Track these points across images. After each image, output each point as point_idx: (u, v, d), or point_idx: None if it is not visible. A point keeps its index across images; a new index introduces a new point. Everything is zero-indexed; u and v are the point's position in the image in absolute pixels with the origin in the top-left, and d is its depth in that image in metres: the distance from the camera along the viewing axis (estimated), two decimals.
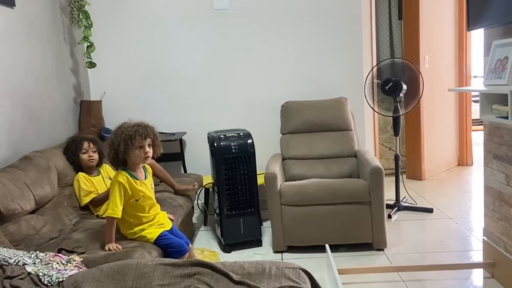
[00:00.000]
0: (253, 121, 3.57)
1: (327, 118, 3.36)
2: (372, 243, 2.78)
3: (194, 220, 3.54)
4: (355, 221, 2.74)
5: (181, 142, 3.63)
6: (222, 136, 2.96)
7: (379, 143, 4.47)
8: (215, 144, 2.91)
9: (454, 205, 3.60)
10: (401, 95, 3.40)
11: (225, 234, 2.94)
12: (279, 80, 3.64)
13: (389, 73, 3.45)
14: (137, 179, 2.20)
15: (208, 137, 3.08)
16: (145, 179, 2.26)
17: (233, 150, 2.90)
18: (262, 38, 3.61)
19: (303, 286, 1.45)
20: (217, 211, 3.04)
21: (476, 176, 4.46)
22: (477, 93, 2.63)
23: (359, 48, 3.59)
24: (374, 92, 3.47)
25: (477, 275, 2.38)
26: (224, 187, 2.90)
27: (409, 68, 3.41)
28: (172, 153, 3.59)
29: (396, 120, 3.50)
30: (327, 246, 2.53)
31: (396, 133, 3.55)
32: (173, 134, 3.54)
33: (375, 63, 3.82)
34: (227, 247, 2.93)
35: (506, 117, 1.84)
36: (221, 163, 2.89)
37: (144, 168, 2.30)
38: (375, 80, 3.47)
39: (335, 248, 2.72)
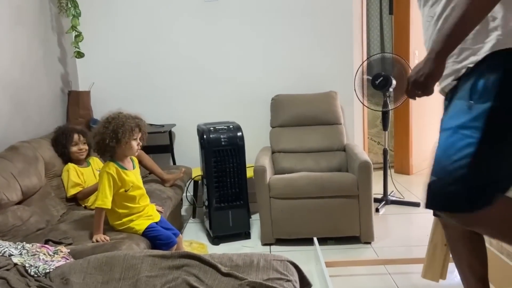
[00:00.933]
0: (243, 114, 3.56)
1: (317, 112, 3.37)
2: (359, 236, 2.81)
3: (183, 212, 3.54)
4: (343, 215, 2.77)
5: (170, 134, 3.61)
6: (211, 128, 2.95)
7: (368, 138, 4.50)
8: (205, 136, 2.90)
9: None
10: (391, 90, 3.42)
11: (213, 227, 2.94)
12: (270, 73, 3.63)
13: (379, 67, 3.46)
14: (126, 169, 2.19)
15: (198, 129, 3.07)
16: (133, 169, 2.25)
17: (223, 143, 2.89)
18: (253, 31, 3.59)
19: (290, 278, 1.46)
20: (206, 203, 3.04)
21: None
22: None
23: (349, 42, 3.60)
24: (364, 86, 3.49)
25: None
26: (213, 179, 2.90)
27: (399, 63, 3.43)
28: (161, 145, 3.58)
29: (385, 115, 3.53)
30: (315, 239, 2.54)
31: (385, 127, 3.58)
32: (162, 126, 3.52)
33: (365, 57, 3.83)
34: (215, 240, 2.94)
35: None
36: (210, 155, 2.88)
37: (131, 158, 2.29)
38: (365, 76, 3.48)
39: (323, 241, 2.74)
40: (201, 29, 3.59)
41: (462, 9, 1.27)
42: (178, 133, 3.69)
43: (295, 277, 1.50)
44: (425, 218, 3.23)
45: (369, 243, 2.80)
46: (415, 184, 4.12)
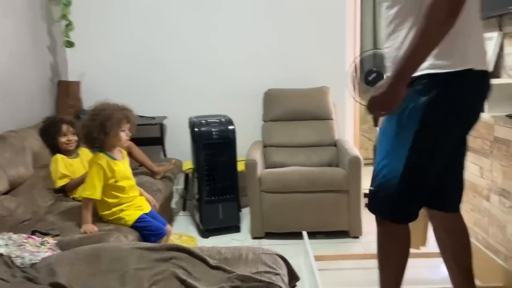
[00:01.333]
0: (235, 107, 3.54)
1: (309, 107, 3.36)
2: (348, 231, 2.82)
3: (173, 205, 3.52)
4: (332, 209, 2.78)
5: (162, 127, 3.58)
6: (203, 121, 2.94)
7: (360, 133, 4.51)
8: (196, 129, 2.88)
9: None
10: None
11: (203, 220, 2.93)
12: (263, 67, 3.61)
13: (371, 63, 3.46)
14: (115, 159, 2.18)
15: (189, 122, 3.05)
16: (122, 160, 2.24)
17: (214, 136, 2.88)
18: (247, 24, 3.56)
19: (279, 272, 1.46)
20: (197, 196, 3.03)
21: None
22: None
23: (342, 38, 3.59)
24: (356, 82, 3.49)
25: None
26: (204, 172, 2.89)
27: None
28: (152, 137, 3.55)
29: None
30: (304, 233, 2.55)
31: (375, 123, 3.58)
32: (153, 118, 3.49)
33: (358, 53, 3.82)
34: (205, 233, 2.93)
35: None
36: (202, 148, 2.87)
37: (120, 149, 2.28)
38: (357, 73, 3.48)
39: (312, 235, 2.75)
40: (195, 21, 3.56)
41: (420, 29, 1.29)
42: (170, 126, 3.66)
43: (283, 271, 1.50)
44: None
45: (358, 237, 2.82)
46: None
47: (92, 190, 2.08)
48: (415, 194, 1.55)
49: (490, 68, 2.06)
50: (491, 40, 2.09)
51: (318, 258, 2.34)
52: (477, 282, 2.16)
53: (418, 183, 1.53)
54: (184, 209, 3.45)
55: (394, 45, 1.48)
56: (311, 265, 2.11)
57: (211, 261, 1.52)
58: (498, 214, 2.13)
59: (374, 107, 1.43)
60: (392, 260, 1.66)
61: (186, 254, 1.57)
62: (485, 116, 1.86)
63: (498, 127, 2.09)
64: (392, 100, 1.38)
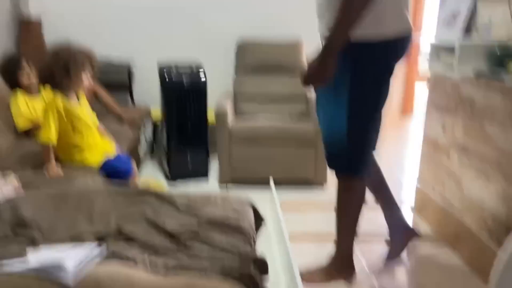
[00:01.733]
0: (206, 54, 3.44)
1: (282, 61, 3.33)
2: (314, 179, 2.89)
3: (141, 153, 3.48)
4: (300, 162, 2.83)
5: (129, 71, 3.46)
6: (173, 69, 2.86)
7: None
8: (167, 78, 2.82)
9: (394, 153, 3.81)
10: None
11: (172, 166, 2.93)
12: (234, 13, 3.48)
13: None
14: (71, 102, 2.12)
15: (159, 70, 2.97)
16: (80, 105, 2.19)
17: (185, 85, 2.82)
18: None
19: (246, 215, 1.50)
20: (165, 144, 3.01)
21: (415, 124, 4.73)
22: None
23: None
24: None
25: (408, 218, 2.56)
26: (173, 121, 2.85)
27: None
28: (118, 82, 3.43)
29: None
30: (270, 178, 2.60)
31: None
32: (120, 62, 3.36)
33: None
34: (173, 179, 2.94)
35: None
36: (172, 97, 2.81)
37: (78, 95, 2.22)
38: None
39: (278, 184, 2.80)
40: None
41: (342, 3, 1.44)
42: (138, 71, 3.54)
43: (250, 214, 1.54)
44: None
45: (322, 184, 2.90)
46: None
47: (48, 135, 2.03)
48: (364, 145, 1.70)
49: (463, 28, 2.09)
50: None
51: (283, 205, 2.41)
52: (432, 233, 2.31)
53: (364, 135, 1.68)
54: (151, 156, 3.41)
55: (323, 22, 1.62)
56: (277, 211, 2.17)
57: (180, 206, 1.53)
58: (456, 170, 2.24)
59: (309, 79, 1.58)
60: (350, 210, 1.80)
61: (155, 197, 1.57)
62: (452, 75, 1.90)
63: (465, 86, 2.15)
64: (325, 71, 1.53)
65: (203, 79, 2.87)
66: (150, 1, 3.44)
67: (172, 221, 1.40)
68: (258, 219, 1.59)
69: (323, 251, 1.95)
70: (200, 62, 3.05)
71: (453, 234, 2.12)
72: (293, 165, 2.84)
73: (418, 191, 2.60)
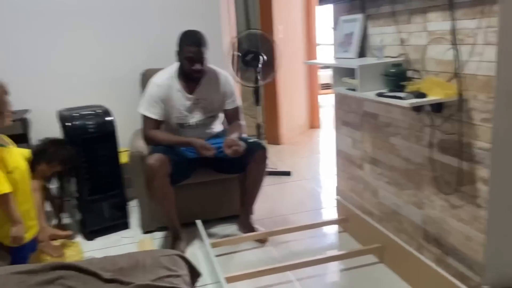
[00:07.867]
0: (110, 95, 3.29)
1: None
2: (240, 214, 2.86)
3: (48, 207, 3.17)
4: (224, 196, 2.79)
5: (25, 122, 3.16)
6: (75, 114, 2.67)
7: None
8: (69, 124, 2.61)
9: (309, 167, 3.94)
10: (260, 66, 3.50)
11: (87, 220, 2.71)
12: (135, 49, 3.39)
13: (247, 44, 3.50)
14: (3, 145, 1.93)
15: (59, 116, 2.75)
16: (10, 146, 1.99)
17: (90, 130, 2.64)
18: (107, 5, 3.30)
19: (180, 273, 1.42)
20: (76, 195, 2.77)
21: (324, 137, 4.95)
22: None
23: (217, 22, 3.52)
24: (235, 63, 3.50)
25: (333, 230, 2.65)
26: (83, 170, 2.65)
27: (265, 39, 3.52)
28: (14, 134, 3.10)
29: (257, 90, 3.61)
30: (198, 222, 2.53)
31: (257, 102, 3.67)
32: (14, 112, 3.04)
33: (235, 33, 3.83)
34: (90, 234, 2.71)
35: (354, 90, 2.03)
36: (77, 145, 2.60)
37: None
38: (235, 52, 3.49)
39: (206, 223, 2.74)
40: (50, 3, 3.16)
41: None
42: (36, 121, 3.25)
43: (184, 271, 1.46)
44: (297, 186, 3.46)
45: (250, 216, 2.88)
46: (286, 154, 4.37)
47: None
48: None
49: (357, 49, 2.23)
50: (356, 21, 2.26)
51: (214, 245, 2.35)
52: (359, 245, 2.40)
53: None
54: (61, 210, 3.13)
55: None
56: (208, 253, 2.11)
57: (105, 274, 1.40)
58: (371, 181, 2.37)
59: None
60: None
61: (74, 271, 1.42)
62: (357, 94, 2.01)
63: (367, 103, 2.30)
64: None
65: (108, 118, 2.71)
66: (39, 46, 3.19)
67: None
68: (194, 274, 1.51)
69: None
70: (106, 101, 2.89)
71: (376, 242, 2.22)
72: (218, 201, 2.78)
73: (339, 203, 2.70)
